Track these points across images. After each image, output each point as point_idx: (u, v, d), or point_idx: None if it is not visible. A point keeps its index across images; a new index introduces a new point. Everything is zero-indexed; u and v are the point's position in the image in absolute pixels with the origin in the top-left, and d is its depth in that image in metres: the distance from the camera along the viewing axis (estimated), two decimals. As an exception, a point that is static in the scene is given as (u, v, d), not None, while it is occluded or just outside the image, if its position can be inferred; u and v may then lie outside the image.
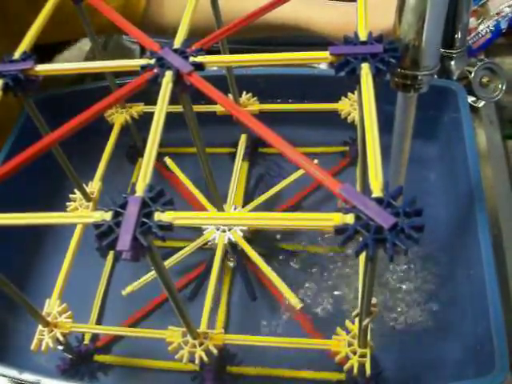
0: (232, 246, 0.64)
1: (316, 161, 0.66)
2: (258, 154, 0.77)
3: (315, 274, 0.63)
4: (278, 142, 0.36)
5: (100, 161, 0.65)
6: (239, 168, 0.70)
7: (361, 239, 0.30)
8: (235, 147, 0.77)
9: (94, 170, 0.64)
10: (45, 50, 0.61)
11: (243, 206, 0.68)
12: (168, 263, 0.61)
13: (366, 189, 0.33)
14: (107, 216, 0.33)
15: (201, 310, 0.59)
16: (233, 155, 0.77)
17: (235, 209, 0.66)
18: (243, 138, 0.73)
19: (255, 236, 0.66)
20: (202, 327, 0.52)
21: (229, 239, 0.63)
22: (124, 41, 0.96)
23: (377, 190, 0.32)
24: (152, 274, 0.61)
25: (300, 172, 0.68)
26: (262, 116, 0.68)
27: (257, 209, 0.67)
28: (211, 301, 0.56)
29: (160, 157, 0.71)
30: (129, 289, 0.61)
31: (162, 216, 0.33)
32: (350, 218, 0.31)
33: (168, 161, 0.71)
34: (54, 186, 0.72)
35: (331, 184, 0.33)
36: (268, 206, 0.69)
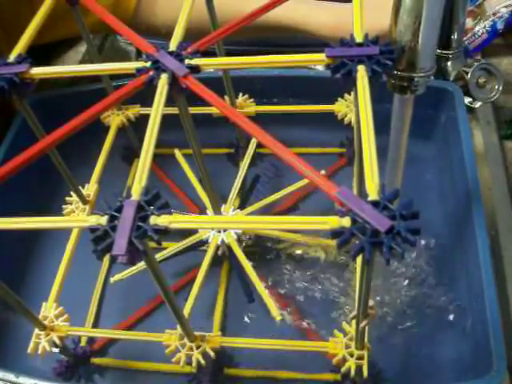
0: (229, 247, 0.64)
1: (323, 171, 0.67)
2: (254, 155, 0.77)
3: (313, 276, 0.63)
4: (274, 145, 0.36)
5: (96, 163, 0.65)
6: (245, 169, 0.70)
7: (357, 242, 0.30)
8: (232, 148, 0.77)
9: (91, 172, 0.64)
10: (42, 53, 0.61)
11: (240, 207, 0.68)
12: (159, 256, 0.61)
13: (362, 191, 0.33)
14: (103, 220, 0.33)
15: (198, 312, 0.59)
16: (230, 156, 0.77)
17: (233, 210, 0.66)
18: (254, 139, 0.73)
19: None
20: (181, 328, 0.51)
21: (222, 240, 0.63)
22: (120, 42, 0.96)
23: (373, 193, 0.32)
24: (141, 264, 0.60)
25: (304, 181, 0.68)
26: (258, 116, 0.68)
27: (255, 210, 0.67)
28: (193, 301, 0.56)
29: (156, 158, 0.71)
30: (117, 277, 0.61)
31: (158, 220, 0.33)
32: (346, 222, 0.31)
33: (177, 153, 0.72)
34: (50, 188, 0.72)
35: (327, 187, 0.33)
36: (265, 207, 0.69)
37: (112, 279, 0.61)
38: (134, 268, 0.60)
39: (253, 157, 0.75)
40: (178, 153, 0.72)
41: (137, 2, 0.75)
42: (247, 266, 0.59)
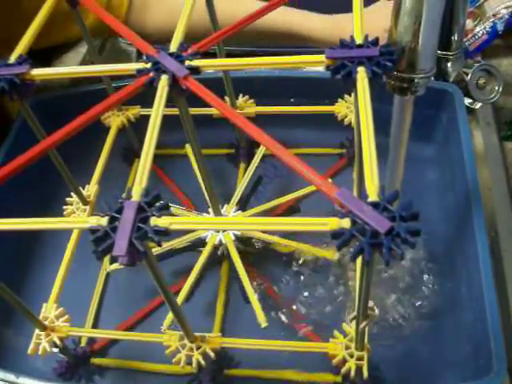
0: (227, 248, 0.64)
1: (330, 180, 0.67)
2: (254, 155, 0.77)
3: (312, 276, 0.63)
4: (273, 146, 0.36)
5: (97, 164, 0.65)
6: (251, 172, 0.70)
7: (357, 244, 0.30)
8: (232, 148, 0.77)
9: (91, 173, 0.64)
10: (42, 54, 0.61)
11: (241, 209, 0.68)
12: (155, 251, 0.61)
13: (362, 192, 0.33)
14: (103, 221, 0.33)
15: (196, 312, 0.60)
16: (230, 156, 0.77)
17: (235, 211, 0.66)
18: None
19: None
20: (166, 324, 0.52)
21: (220, 240, 0.63)
22: (120, 43, 0.96)
23: (373, 195, 0.32)
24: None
25: (308, 188, 0.68)
26: (258, 117, 0.68)
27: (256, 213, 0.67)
28: (184, 297, 0.56)
29: (156, 158, 0.71)
30: (113, 266, 0.63)
31: (158, 221, 0.33)
32: (346, 223, 0.31)
33: (188, 150, 0.72)
34: (50, 188, 0.72)
35: (327, 189, 0.33)
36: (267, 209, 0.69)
37: (108, 268, 0.63)
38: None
39: (247, 155, 0.75)
40: (189, 149, 0.71)
41: (127, 9, 0.76)
42: (240, 268, 0.59)
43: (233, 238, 0.62)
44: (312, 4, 0.76)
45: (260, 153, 0.71)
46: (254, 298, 0.56)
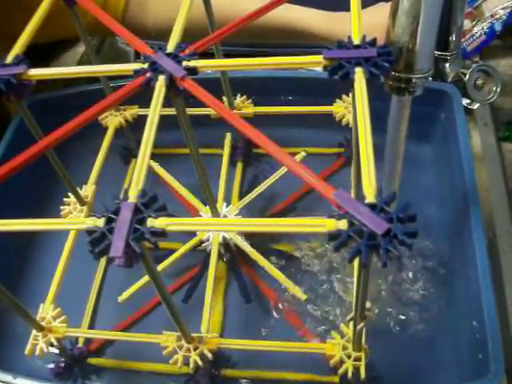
0: (224, 246, 0.64)
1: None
2: (251, 155, 0.77)
3: (309, 275, 0.63)
4: (270, 146, 0.36)
5: (94, 164, 0.65)
6: (267, 184, 0.70)
7: (354, 245, 0.30)
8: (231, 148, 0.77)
9: (88, 173, 0.64)
10: (41, 51, 0.61)
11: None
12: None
13: (360, 193, 0.33)
14: (100, 222, 0.33)
15: (194, 312, 0.59)
16: (229, 156, 0.77)
17: (237, 215, 0.66)
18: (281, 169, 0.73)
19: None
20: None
21: (224, 238, 0.63)
22: (118, 43, 0.96)
23: (370, 196, 0.32)
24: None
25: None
26: (256, 117, 0.68)
27: (253, 210, 0.67)
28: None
29: (154, 158, 0.71)
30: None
31: (155, 222, 0.33)
32: (343, 224, 0.31)
33: (227, 137, 0.73)
34: (48, 189, 0.72)
35: (324, 189, 0.33)
36: (264, 207, 0.69)
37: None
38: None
39: (250, 157, 0.75)
40: (228, 137, 0.73)
41: (125, 4, 0.75)
42: (211, 272, 0.59)
43: (221, 240, 0.63)
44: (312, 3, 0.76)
45: (281, 171, 0.69)
46: (207, 306, 0.56)
